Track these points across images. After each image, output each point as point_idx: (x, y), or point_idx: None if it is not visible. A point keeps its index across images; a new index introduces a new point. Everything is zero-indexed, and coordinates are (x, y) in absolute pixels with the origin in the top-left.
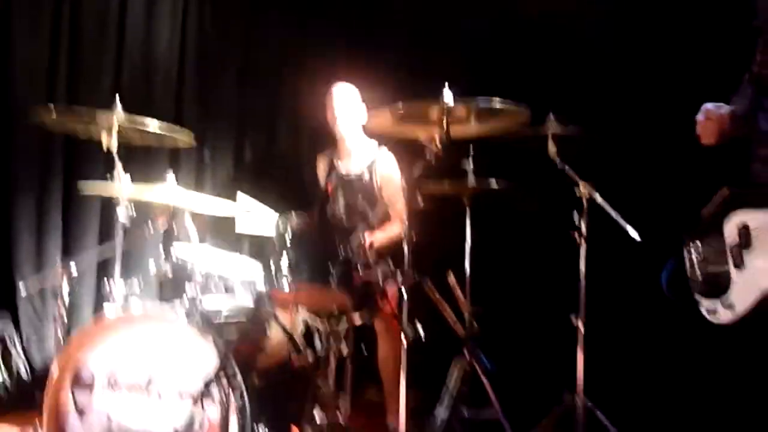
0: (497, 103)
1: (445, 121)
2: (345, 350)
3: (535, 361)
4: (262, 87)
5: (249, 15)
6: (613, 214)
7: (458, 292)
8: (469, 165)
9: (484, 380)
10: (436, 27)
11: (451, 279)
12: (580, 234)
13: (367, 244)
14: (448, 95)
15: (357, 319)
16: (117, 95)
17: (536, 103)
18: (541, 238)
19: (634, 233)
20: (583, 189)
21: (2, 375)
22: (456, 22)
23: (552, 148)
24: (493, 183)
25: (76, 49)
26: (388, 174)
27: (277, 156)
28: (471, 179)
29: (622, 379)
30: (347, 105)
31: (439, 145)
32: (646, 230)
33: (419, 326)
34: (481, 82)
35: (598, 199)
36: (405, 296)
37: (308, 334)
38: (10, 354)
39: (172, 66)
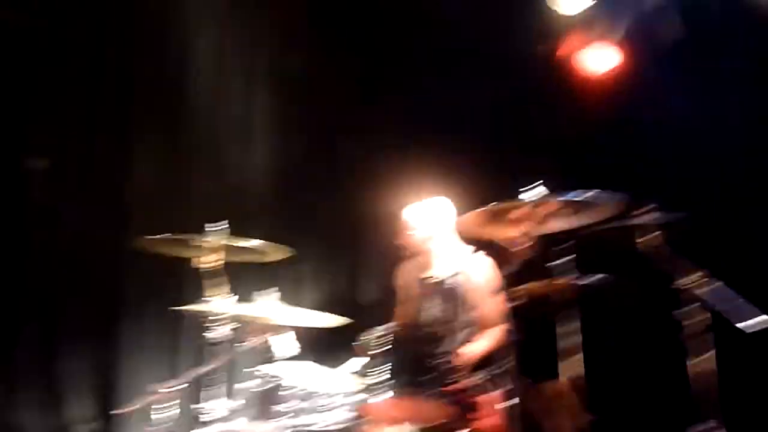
0: (590, 196)
1: (537, 218)
2: None
3: None
4: (355, 199)
5: (333, 135)
6: (726, 306)
7: (570, 400)
8: (567, 260)
9: None
10: (519, 123)
11: (564, 385)
12: (686, 332)
13: (463, 350)
14: (535, 193)
15: None
16: (214, 220)
17: (634, 191)
18: (660, 336)
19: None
20: (693, 280)
21: None
22: (542, 118)
23: (656, 238)
24: (598, 279)
25: (183, 177)
26: (477, 279)
27: (369, 267)
28: (571, 276)
29: None
30: (418, 226)
31: (533, 243)
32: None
33: None
34: (575, 174)
35: (711, 288)
36: (510, 406)
37: None
38: None
39: (266, 190)
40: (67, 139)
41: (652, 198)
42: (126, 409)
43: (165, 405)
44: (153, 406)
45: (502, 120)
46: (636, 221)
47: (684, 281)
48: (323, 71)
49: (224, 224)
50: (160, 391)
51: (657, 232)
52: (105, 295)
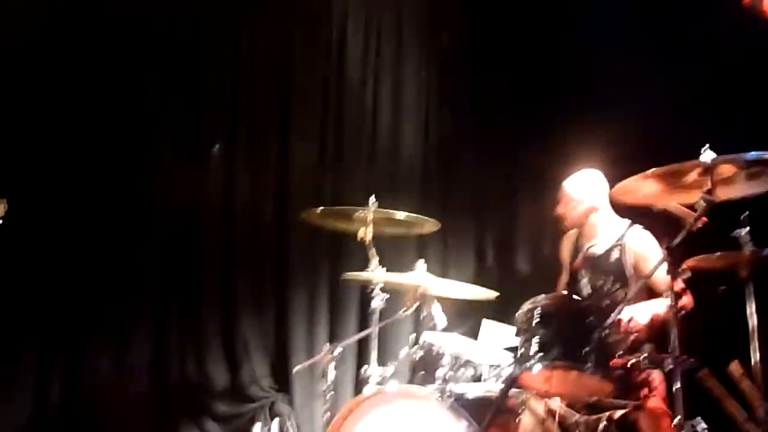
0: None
1: (709, 183)
2: None
3: None
4: (500, 174)
5: (481, 109)
6: None
7: (745, 384)
8: (745, 232)
9: None
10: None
11: (736, 369)
12: None
13: (626, 323)
14: (707, 154)
15: (618, 413)
16: (369, 193)
17: None
18: None
19: None
20: None
21: None
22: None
23: None
24: None
25: (339, 151)
26: (641, 251)
27: (519, 238)
28: (748, 248)
29: None
30: (577, 199)
31: (703, 212)
32: None
33: (702, 423)
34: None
35: None
36: (678, 385)
37: (564, 427)
38: (286, 430)
39: (416, 164)
40: (237, 125)
41: None
42: (303, 366)
43: (333, 365)
44: (326, 364)
45: (672, 86)
46: None
47: None
48: (475, 44)
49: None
50: (332, 351)
51: None
52: (274, 264)
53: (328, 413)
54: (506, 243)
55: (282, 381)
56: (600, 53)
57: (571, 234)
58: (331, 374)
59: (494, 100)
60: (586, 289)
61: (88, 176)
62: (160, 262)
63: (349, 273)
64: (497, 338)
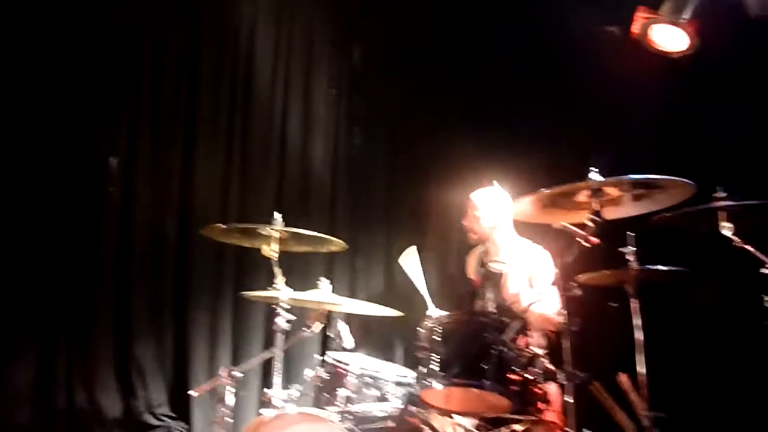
0: (653, 178)
1: (595, 202)
2: None
3: None
4: (409, 193)
5: (393, 127)
6: None
7: (633, 396)
8: (630, 250)
9: None
10: (578, 105)
11: (624, 380)
12: None
13: (522, 339)
14: (595, 174)
15: (517, 427)
16: (275, 210)
17: (701, 178)
18: (727, 329)
19: None
20: None
21: None
22: (596, 98)
23: (725, 224)
24: (660, 269)
25: (245, 166)
26: (536, 267)
27: (426, 258)
28: (633, 265)
29: None
30: (485, 212)
31: (591, 231)
32: None
33: None
34: (637, 159)
35: None
36: (569, 396)
37: None
38: None
39: (325, 182)
40: (138, 138)
41: (721, 185)
42: (199, 390)
43: (234, 387)
44: (224, 388)
45: (563, 104)
46: (703, 207)
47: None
48: (386, 62)
49: (279, 216)
50: (230, 373)
51: (726, 220)
52: (174, 283)
53: None
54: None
55: (180, 408)
56: (505, 71)
57: (477, 251)
58: (230, 398)
59: (404, 119)
60: (491, 306)
61: None
62: (49, 278)
63: (249, 291)
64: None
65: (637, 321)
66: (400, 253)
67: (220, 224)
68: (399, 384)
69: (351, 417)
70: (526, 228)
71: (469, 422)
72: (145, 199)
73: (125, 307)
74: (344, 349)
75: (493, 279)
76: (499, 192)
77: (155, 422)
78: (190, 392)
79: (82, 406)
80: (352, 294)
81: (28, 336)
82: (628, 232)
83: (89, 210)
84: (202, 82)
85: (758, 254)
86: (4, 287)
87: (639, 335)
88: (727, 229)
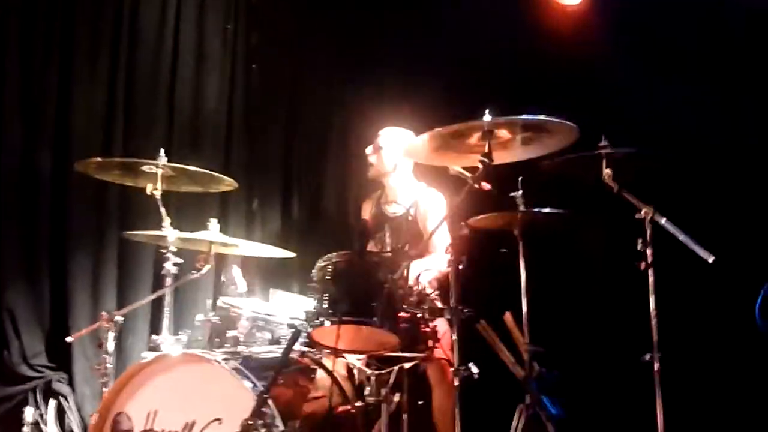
0: (541, 119)
1: (487, 143)
2: (396, 399)
3: (607, 405)
4: (309, 135)
5: (294, 67)
6: (681, 237)
7: (516, 333)
8: (519, 194)
9: (550, 428)
10: (476, 50)
11: (508, 318)
12: (647, 263)
13: (414, 278)
14: (488, 115)
15: (407, 364)
16: (166, 148)
17: (586, 125)
18: (602, 271)
19: (706, 255)
20: (645, 214)
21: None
22: (496, 43)
23: (606, 171)
24: (545, 212)
25: (131, 102)
26: (429, 210)
27: (322, 203)
28: (521, 209)
29: (708, 423)
30: (390, 149)
31: (481, 174)
32: (718, 255)
33: (473, 367)
34: (525, 104)
35: (663, 222)
36: (455, 334)
37: (358, 380)
38: (64, 412)
39: (220, 118)
40: (6, 66)
41: (607, 133)
42: (76, 336)
43: (116, 332)
44: (104, 333)
45: (462, 48)
46: (588, 153)
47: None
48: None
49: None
50: (111, 318)
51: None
52: (50, 223)
53: (107, 387)
54: (312, 203)
55: (60, 358)
56: (408, 10)
57: (374, 195)
58: (110, 345)
59: (305, 58)
60: (386, 248)
61: None
62: None
63: (131, 231)
64: (288, 307)
65: (521, 263)
66: (299, 195)
67: (96, 158)
68: (292, 327)
69: (238, 357)
70: (422, 171)
71: (360, 360)
72: (15, 134)
73: None
74: (238, 294)
75: (390, 222)
76: (406, 134)
77: (32, 374)
78: (68, 339)
79: None
80: (248, 237)
81: None
82: (519, 178)
83: None
84: (80, 12)
85: (634, 200)
86: None
87: (523, 276)
88: (607, 176)
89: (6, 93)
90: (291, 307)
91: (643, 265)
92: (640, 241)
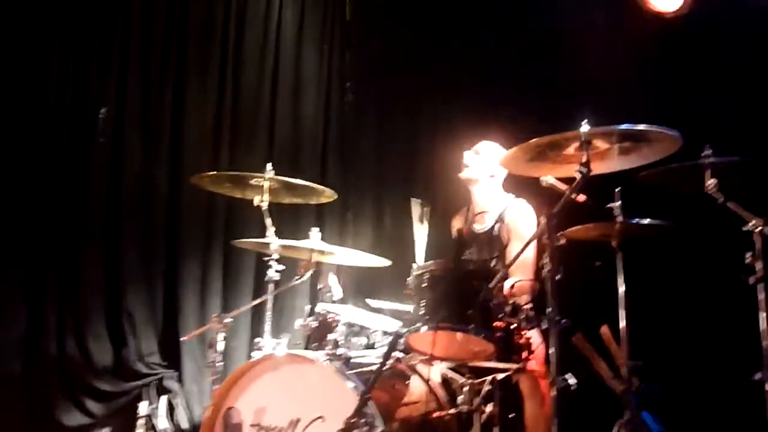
0: (642, 128)
1: (584, 153)
2: (489, 409)
3: (713, 424)
4: (399, 148)
5: (385, 83)
6: None
7: (614, 346)
8: (617, 205)
9: None
10: (571, 63)
11: (605, 332)
12: (756, 278)
13: (508, 288)
14: (585, 125)
15: (500, 375)
16: (268, 161)
17: (688, 134)
18: (706, 284)
19: None
20: (755, 225)
21: (168, 428)
22: (592, 54)
23: (711, 181)
24: (644, 223)
25: (237, 118)
26: (514, 223)
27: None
28: (618, 219)
29: None
30: (487, 158)
31: (579, 183)
32: None
33: (570, 378)
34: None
35: None
36: (552, 345)
37: (451, 388)
38: (174, 408)
39: (317, 136)
40: (128, 87)
41: (710, 142)
42: (189, 336)
43: (225, 333)
44: (214, 334)
45: (556, 60)
46: (690, 163)
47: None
48: (378, 17)
49: (270, 166)
50: (220, 320)
51: (712, 177)
52: (165, 232)
53: (217, 385)
54: (404, 214)
55: (171, 357)
56: (497, 24)
57: (462, 211)
58: (221, 345)
59: (396, 74)
60: (471, 257)
61: None
62: (39, 228)
63: (240, 239)
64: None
65: (620, 275)
66: (390, 206)
67: (210, 172)
68: (386, 333)
69: (339, 359)
70: (513, 182)
71: (453, 368)
72: (135, 150)
73: (115, 256)
74: (333, 301)
75: (478, 237)
76: (495, 147)
77: (146, 371)
78: (181, 339)
79: (73, 355)
80: (342, 245)
81: (16, 286)
82: (615, 188)
83: (78, 161)
84: (192, 34)
85: (742, 211)
86: None
87: (621, 289)
88: (712, 187)
89: (127, 111)
90: (386, 314)
91: (752, 280)
92: (749, 254)
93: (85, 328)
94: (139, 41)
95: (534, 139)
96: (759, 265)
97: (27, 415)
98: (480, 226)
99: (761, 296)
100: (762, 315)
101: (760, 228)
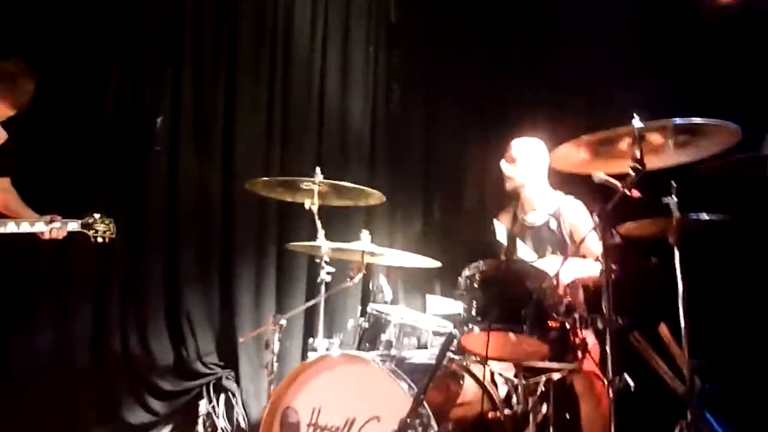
0: (696, 122)
1: (638, 149)
2: (544, 410)
3: None
4: (446, 149)
5: (431, 83)
6: None
7: (673, 345)
8: (673, 199)
9: None
10: (624, 54)
11: (664, 330)
12: None
13: (561, 286)
14: (637, 120)
15: (555, 375)
16: (317, 165)
17: (748, 124)
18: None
19: None
20: None
21: (226, 427)
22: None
23: None
24: (704, 218)
25: (286, 122)
26: (576, 219)
27: (463, 213)
28: (676, 215)
29: None
30: (525, 160)
31: (633, 179)
32: None
33: (628, 378)
34: (678, 108)
35: None
36: (608, 345)
37: (506, 389)
38: (232, 407)
39: (364, 138)
40: (181, 96)
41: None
42: (246, 337)
43: (278, 336)
44: (270, 335)
45: (607, 52)
46: (751, 154)
47: None
48: (424, 19)
49: (319, 170)
50: (276, 321)
51: None
52: (220, 236)
53: (273, 384)
54: (452, 215)
55: (228, 357)
56: (546, 23)
57: (509, 207)
58: (276, 345)
59: (441, 75)
60: (530, 256)
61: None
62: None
63: (293, 243)
64: (443, 311)
65: (678, 272)
66: (440, 207)
67: (263, 177)
68: (437, 333)
69: (393, 359)
70: (564, 178)
71: (508, 369)
72: (190, 157)
73: (174, 260)
74: (385, 302)
75: (529, 231)
76: (539, 145)
77: (205, 370)
78: (240, 339)
79: (137, 353)
80: (392, 247)
81: (84, 289)
82: (671, 182)
83: (138, 169)
84: (242, 39)
85: None
86: (62, 244)
87: (680, 286)
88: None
89: (182, 119)
90: (443, 311)
91: None
92: None
93: (147, 327)
94: (192, 51)
95: (584, 136)
96: None
97: (94, 412)
98: (532, 221)
99: None
100: None
101: None
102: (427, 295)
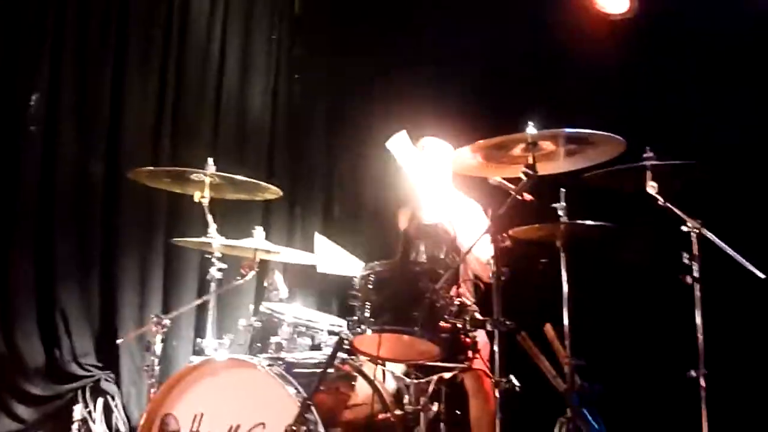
0: (588, 132)
1: (531, 155)
2: (435, 408)
3: (651, 421)
4: (349, 143)
5: (334, 76)
6: (730, 252)
7: (557, 344)
8: (561, 206)
9: None
10: (515, 60)
11: (549, 330)
12: (693, 278)
13: (454, 289)
14: (531, 128)
15: (446, 374)
16: (211, 156)
17: (631, 137)
18: (646, 284)
19: (757, 272)
20: (692, 227)
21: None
22: (535, 54)
23: (651, 183)
24: (588, 223)
25: (179, 110)
26: (465, 218)
27: (364, 210)
28: (563, 220)
29: None
30: (429, 159)
31: (525, 184)
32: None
33: (514, 379)
34: (568, 117)
35: (710, 237)
36: (496, 344)
37: (397, 389)
38: (111, 411)
39: (264, 127)
40: (62, 73)
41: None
42: (126, 338)
43: (163, 335)
44: (152, 336)
45: (503, 58)
46: (632, 165)
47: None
48: (324, 12)
49: (211, 161)
50: (159, 321)
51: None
52: (101, 228)
53: (155, 389)
54: (354, 213)
55: (108, 358)
56: (445, 22)
57: (410, 205)
58: (158, 346)
59: (345, 68)
60: (422, 257)
61: None
62: None
63: (179, 238)
64: (330, 254)
65: (564, 275)
66: (340, 203)
67: (148, 167)
68: (332, 333)
69: (281, 363)
70: (461, 181)
71: (399, 369)
72: (70, 140)
73: (48, 251)
74: (279, 300)
75: (426, 231)
76: (443, 145)
77: (81, 372)
78: (118, 340)
79: (0, 353)
80: (290, 244)
81: None
82: (560, 189)
83: (7, 150)
84: (133, 17)
85: (679, 212)
86: None
87: (565, 288)
88: (652, 188)
89: (62, 100)
90: (331, 253)
91: (689, 279)
92: (685, 254)
93: (14, 324)
94: (75, 23)
95: (481, 141)
96: (696, 265)
97: None
98: (428, 222)
99: (698, 295)
100: (698, 313)
101: (697, 230)
102: (315, 234)
